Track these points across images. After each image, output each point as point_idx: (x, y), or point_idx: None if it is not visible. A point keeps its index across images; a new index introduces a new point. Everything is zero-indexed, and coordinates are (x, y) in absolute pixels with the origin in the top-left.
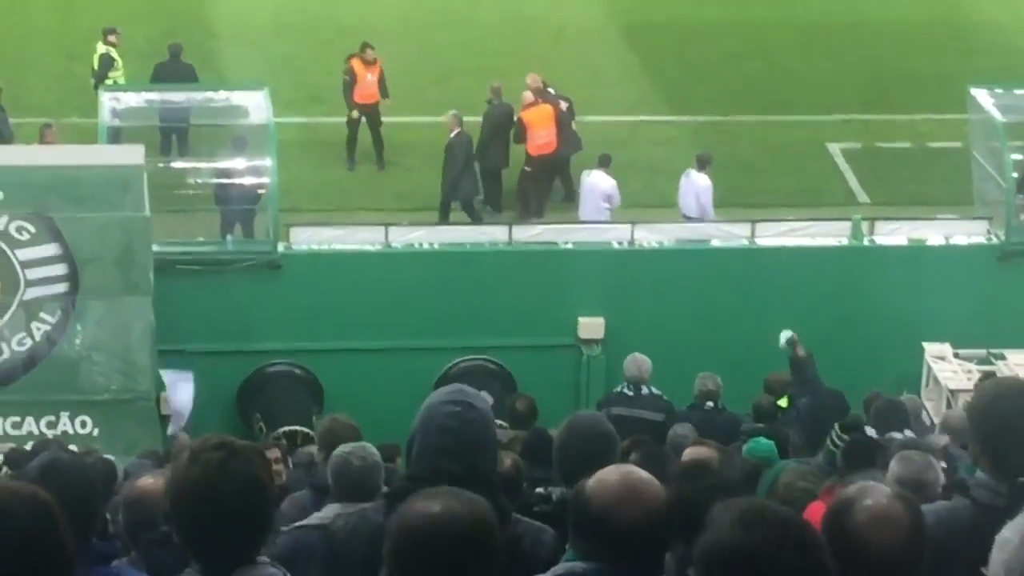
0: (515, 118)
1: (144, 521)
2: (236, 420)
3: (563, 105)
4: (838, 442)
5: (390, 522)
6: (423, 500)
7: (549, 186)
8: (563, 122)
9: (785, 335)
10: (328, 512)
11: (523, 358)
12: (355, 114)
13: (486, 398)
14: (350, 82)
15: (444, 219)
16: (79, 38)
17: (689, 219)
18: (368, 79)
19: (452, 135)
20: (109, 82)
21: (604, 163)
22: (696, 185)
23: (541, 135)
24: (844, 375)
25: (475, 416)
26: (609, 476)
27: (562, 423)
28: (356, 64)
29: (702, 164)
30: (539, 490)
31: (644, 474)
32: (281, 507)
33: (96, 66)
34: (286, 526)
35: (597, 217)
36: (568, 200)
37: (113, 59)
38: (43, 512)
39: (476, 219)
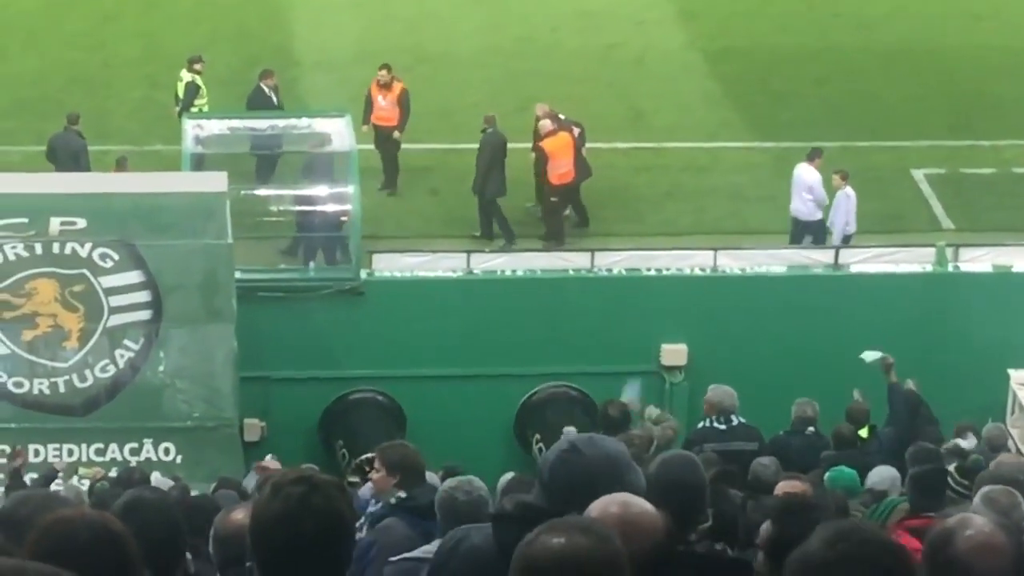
0: (535, 149)
1: (237, 557)
2: (319, 447)
3: (576, 131)
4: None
5: (516, 552)
6: (549, 533)
7: (564, 213)
8: (576, 149)
9: (872, 355)
10: (434, 547)
11: (605, 385)
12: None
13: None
14: (367, 103)
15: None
16: (161, 66)
17: (798, 222)
18: (380, 102)
19: (487, 131)
20: (194, 110)
21: (812, 157)
22: (805, 180)
23: (562, 164)
24: (929, 402)
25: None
26: (609, 506)
27: (653, 464)
28: (372, 86)
29: (812, 158)
30: None
31: (643, 506)
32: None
33: (181, 94)
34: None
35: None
36: (581, 226)
37: (199, 87)
38: (110, 541)
39: (499, 218)
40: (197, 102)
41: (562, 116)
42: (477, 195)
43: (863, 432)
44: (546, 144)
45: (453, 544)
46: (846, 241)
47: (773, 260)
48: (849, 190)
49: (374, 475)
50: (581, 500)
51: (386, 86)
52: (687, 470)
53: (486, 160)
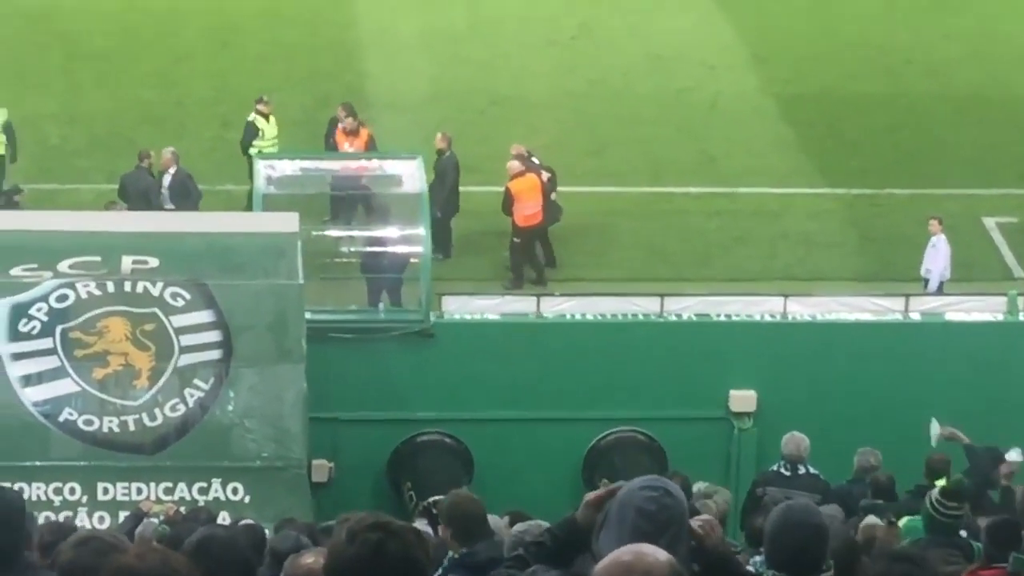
0: (504, 188)
1: None
2: (386, 489)
3: (544, 176)
4: (939, 508)
5: None
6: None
7: (534, 252)
8: (545, 192)
9: (936, 431)
10: None
11: (673, 430)
12: None
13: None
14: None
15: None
16: (233, 106)
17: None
18: (347, 149)
19: (444, 156)
20: (253, 151)
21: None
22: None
23: (528, 206)
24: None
25: (671, 503)
26: (621, 556)
27: (775, 511)
28: (337, 133)
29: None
30: None
31: (657, 556)
32: None
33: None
34: None
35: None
36: (550, 267)
37: (258, 128)
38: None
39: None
40: (257, 143)
41: (535, 159)
42: (440, 217)
43: (940, 482)
44: (513, 185)
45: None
46: (941, 288)
47: (843, 307)
48: (943, 236)
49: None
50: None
51: (353, 133)
52: (809, 516)
53: (439, 183)
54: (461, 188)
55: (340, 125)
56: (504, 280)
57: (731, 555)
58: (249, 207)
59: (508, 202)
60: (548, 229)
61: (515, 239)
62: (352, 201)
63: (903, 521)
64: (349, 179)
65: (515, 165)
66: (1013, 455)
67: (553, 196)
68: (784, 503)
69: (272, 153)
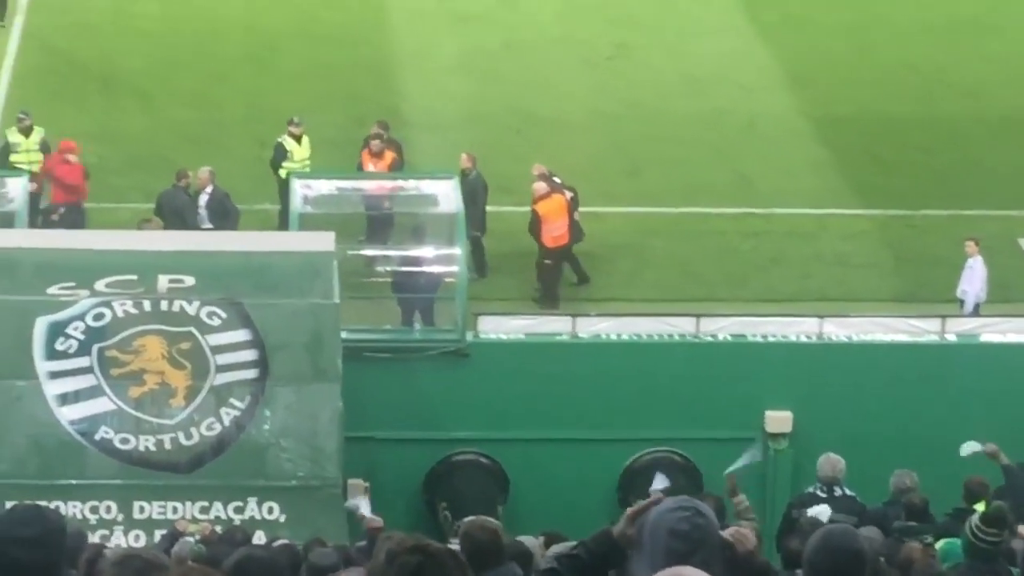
0: (530, 209)
1: None
2: (422, 508)
3: (568, 195)
4: (978, 533)
5: None
6: None
7: (561, 272)
8: (570, 212)
9: (970, 447)
10: None
11: (709, 450)
12: None
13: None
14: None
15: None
16: (270, 125)
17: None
18: (371, 170)
19: (470, 175)
20: (283, 172)
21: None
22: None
23: (556, 226)
24: None
25: (703, 522)
26: None
27: (815, 535)
28: (364, 155)
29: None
30: None
31: None
32: None
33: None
34: None
35: None
36: (584, 283)
37: (286, 150)
38: None
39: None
40: (287, 164)
41: (556, 179)
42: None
43: (979, 506)
44: (540, 207)
45: None
46: (977, 309)
47: (879, 328)
48: (980, 258)
49: None
50: None
51: (378, 155)
52: (849, 541)
53: (483, 202)
54: (496, 208)
55: (366, 147)
56: (539, 300)
57: (769, 565)
58: (281, 226)
59: (536, 224)
60: (573, 248)
61: (546, 260)
62: (388, 220)
63: (940, 544)
64: (379, 199)
65: (541, 186)
66: (967, 449)
67: (576, 216)
68: (825, 527)
69: (308, 172)
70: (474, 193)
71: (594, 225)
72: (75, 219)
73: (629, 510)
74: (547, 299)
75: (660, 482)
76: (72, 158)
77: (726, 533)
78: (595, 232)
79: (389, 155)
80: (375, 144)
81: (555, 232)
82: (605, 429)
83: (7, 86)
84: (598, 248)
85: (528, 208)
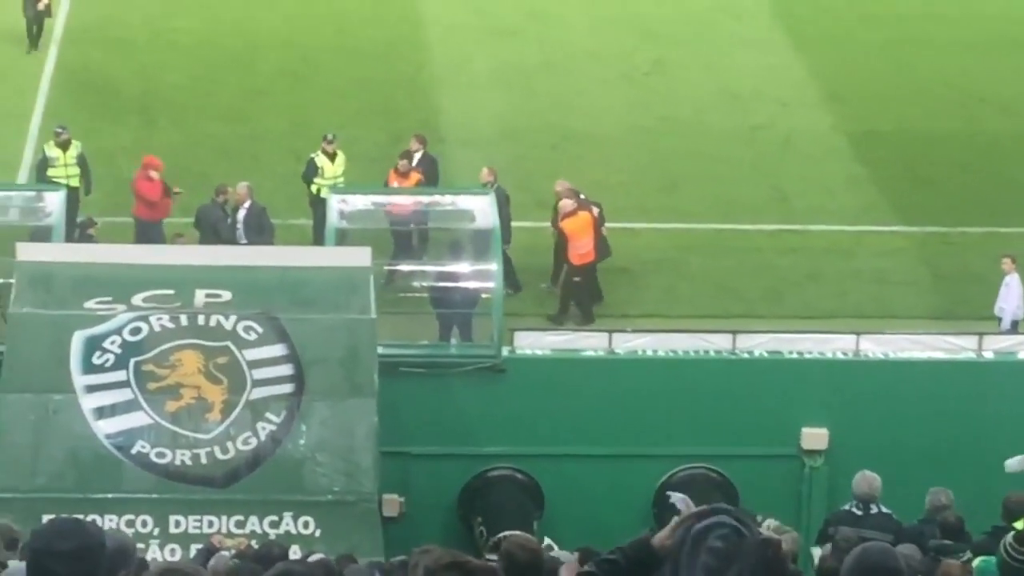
0: (555, 227)
1: None
2: (457, 524)
3: (594, 211)
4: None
5: None
6: None
7: (596, 286)
8: (596, 228)
9: (1017, 462)
10: None
11: (744, 467)
12: None
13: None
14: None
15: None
16: (307, 140)
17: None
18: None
19: (492, 189)
20: (313, 188)
21: None
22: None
23: (583, 244)
24: None
25: (740, 539)
26: None
27: (852, 553)
28: (391, 174)
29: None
30: None
31: None
32: None
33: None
34: None
35: None
36: (597, 302)
37: (317, 166)
38: None
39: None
40: (318, 180)
41: (582, 195)
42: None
43: (1019, 524)
44: (566, 225)
45: None
46: (1015, 326)
47: (916, 345)
48: (1017, 275)
49: None
50: None
51: (404, 174)
52: (886, 559)
53: (506, 216)
54: (533, 224)
55: (394, 166)
56: (554, 318)
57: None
58: (315, 241)
59: (563, 242)
60: (598, 266)
61: (575, 278)
62: (423, 236)
63: (976, 562)
64: (415, 215)
65: (568, 204)
66: (1014, 464)
67: (603, 231)
68: (861, 545)
69: (344, 187)
70: (497, 206)
71: (630, 241)
72: (152, 235)
73: (675, 519)
74: (584, 316)
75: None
76: (154, 175)
77: (768, 530)
78: (631, 248)
79: (415, 176)
80: (402, 164)
81: (582, 249)
82: (640, 445)
83: (45, 100)
84: (634, 264)
85: (546, 224)
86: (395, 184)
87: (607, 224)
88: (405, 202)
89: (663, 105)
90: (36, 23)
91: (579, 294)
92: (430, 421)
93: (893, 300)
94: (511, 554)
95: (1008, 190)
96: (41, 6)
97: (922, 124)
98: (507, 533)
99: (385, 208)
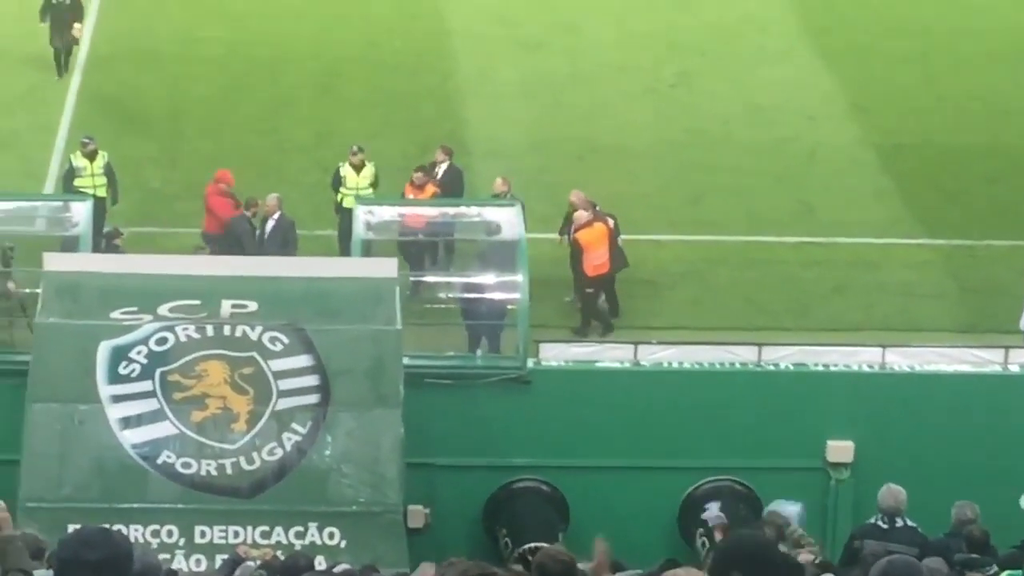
0: (561, 235)
1: None
2: (482, 535)
3: (610, 222)
4: None
5: None
6: None
7: (613, 295)
8: (612, 240)
9: None
10: None
11: (770, 480)
12: None
13: None
14: None
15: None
16: (334, 151)
17: None
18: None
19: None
20: (338, 198)
21: None
22: None
23: (597, 255)
24: None
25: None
26: None
27: (876, 566)
28: (407, 187)
29: None
30: None
31: None
32: None
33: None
34: None
35: None
36: (612, 316)
37: (341, 177)
38: None
39: None
40: (342, 190)
41: (597, 206)
42: None
43: None
44: (581, 236)
45: None
46: None
47: (942, 358)
48: None
49: None
50: None
51: (420, 187)
52: (910, 572)
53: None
54: (555, 235)
55: (410, 179)
56: (578, 331)
57: None
58: (340, 252)
59: (577, 253)
60: (615, 277)
61: (587, 289)
62: (449, 247)
63: (1004, 575)
64: (441, 226)
65: (583, 215)
66: None
67: (619, 243)
68: (886, 558)
69: (370, 198)
70: None
71: (656, 253)
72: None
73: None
74: (603, 327)
75: (713, 511)
76: (225, 188)
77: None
78: (657, 260)
79: (430, 188)
80: (417, 177)
81: (596, 261)
82: (666, 457)
83: (72, 111)
84: (660, 276)
85: (554, 235)
86: (411, 197)
87: (628, 236)
88: (431, 213)
89: (689, 118)
90: (65, 50)
91: (591, 305)
92: (455, 432)
93: (919, 313)
94: (544, 566)
95: None
96: (76, 32)
97: (948, 137)
98: (538, 544)
99: (408, 219)
